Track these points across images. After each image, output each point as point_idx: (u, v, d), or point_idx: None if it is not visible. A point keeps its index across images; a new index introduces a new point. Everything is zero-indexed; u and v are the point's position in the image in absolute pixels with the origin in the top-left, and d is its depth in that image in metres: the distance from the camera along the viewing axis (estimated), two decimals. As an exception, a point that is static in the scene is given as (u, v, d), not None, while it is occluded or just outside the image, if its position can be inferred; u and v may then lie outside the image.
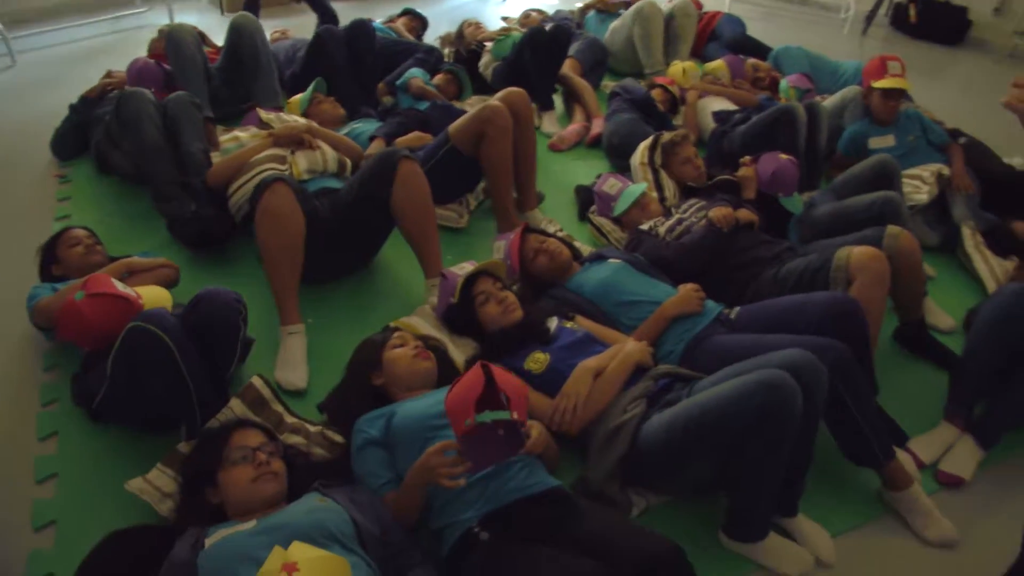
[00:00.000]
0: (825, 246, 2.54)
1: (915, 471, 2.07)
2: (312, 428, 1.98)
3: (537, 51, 3.74)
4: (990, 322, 2.20)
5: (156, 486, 1.81)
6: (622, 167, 3.44)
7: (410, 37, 4.38)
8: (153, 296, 2.10)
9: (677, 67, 3.98)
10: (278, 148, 2.67)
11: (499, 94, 2.86)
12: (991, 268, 2.90)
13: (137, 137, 2.72)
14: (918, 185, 3.09)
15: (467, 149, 2.78)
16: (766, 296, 2.43)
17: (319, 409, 2.08)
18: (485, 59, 4.13)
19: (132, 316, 1.96)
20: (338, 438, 1.97)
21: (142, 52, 3.70)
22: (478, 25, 4.48)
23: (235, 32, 3.40)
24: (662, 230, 2.77)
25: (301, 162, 2.67)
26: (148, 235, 2.81)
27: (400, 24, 4.51)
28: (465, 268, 2.37)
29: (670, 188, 3.08)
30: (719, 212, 2.64)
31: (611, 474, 1.89)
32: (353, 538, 1.52)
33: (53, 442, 2.04)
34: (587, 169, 3.54)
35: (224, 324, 1.89)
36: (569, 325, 2.25)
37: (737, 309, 2.33)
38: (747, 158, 3.08)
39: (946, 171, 3.14)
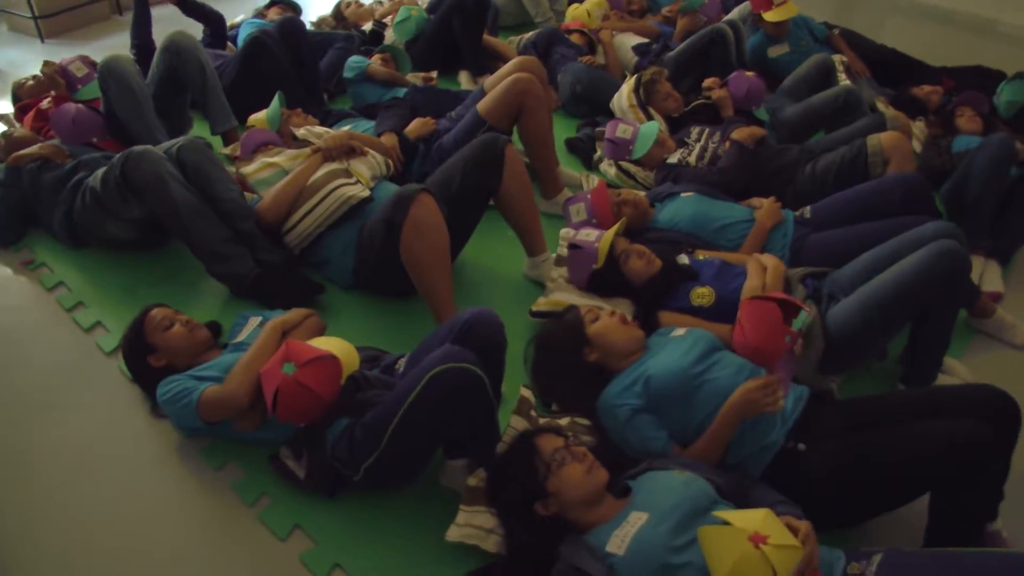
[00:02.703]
0: (837, 140, 2.97)
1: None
2: (563, 422, 1.99)
3: (465, 18, 3.71)
4: (986, 168, 2.77)
5: (475, 526, 1.74)
6: (589, 114, 3.61)
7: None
8: (336, 347, 1.92)
9: (580, 10, 4.15)
10: (332, 163, 2.46)
11: (513, 63, 2.87)
12: (913, 133, 3.56)
13: (166, 203, 2.32)
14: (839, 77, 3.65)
15: (504, 126, 2.77)
16: (809, 192, 2.81)
17: (545, 404, 2.08)
18: (390, 37, 3.99)
19: (340, 375, 1.83)
20: (586, 422, 2.00)
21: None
22: (358, 4, 4.26)
23: (173, 54, 2.94)
24: (692, 159, 3.02)
25: (363, 171, 2.49)
26: (186, 298, 2.46)
27: (273, 15, 4.14)
28: (588, 235, 2.43)
29: (661, 123, 3.32)
30: (743, 132, 2.95)
31: (816, 369, 2.16)
32: (717, 494, 1.63)
33: (300, 538, 1.82)
34: (558, 123, 3.64)
35: (500, 343, 1.82)
36: (702, 256, 2.43)
37: (807, 208, 2.67)
38: (712, 80, 3.41)
39: (843, 59, 3.74)
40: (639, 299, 2.38)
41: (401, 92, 3.36)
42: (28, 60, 4.12)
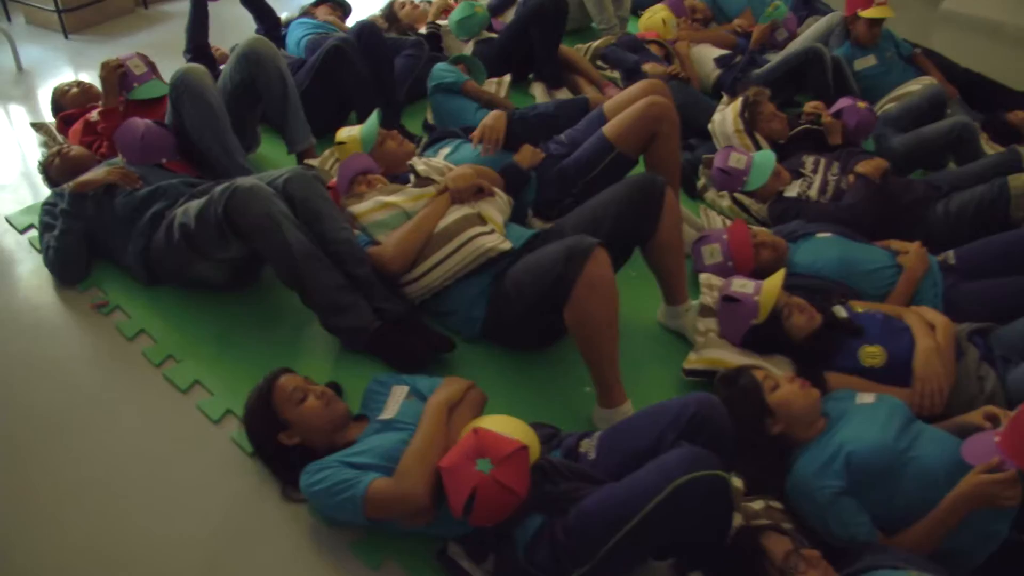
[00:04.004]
0: (966, 176, 2.81)
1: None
2: (756, 506, 1.79)
3: (545, 26, 3.44)
4: None
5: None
6: (681, 136, 3.38)
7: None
8: (519, 432, 1.66)
9: (655, 19, 3.92)
10: (462, 205, 2.20)
11: (640, 87, 2.62)
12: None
13: (278, 247, 2.02)
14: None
15: (632, 152, 2.53)
16: (943, 234, 2.64)
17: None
18: (448, 41, 3.70)
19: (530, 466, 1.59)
20: (779, 505, 1.81)
21: None
22: (413, 4, 3.95)
23: (252, 63, 2.61)
24: (813, 193, 2.82)
25: (494, 215, 2.23)
26: (289, 350, 2.18)
27: (322, 15, 3.80)
28: (744, 285, 2.21)
29: (766, 147, 3.12)
30: (868, 165, 2.77)
31: None
32: None
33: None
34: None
35: (731, 439, 1.61)
36: (860, 309, 2.24)
37: (950, 254, 2.50)
38: (817, 104, 3.22)
39: (934, 81, 3.58)
40: (799, 357, 2.18)
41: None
42: (53, 59, 3.72)
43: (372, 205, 2.22)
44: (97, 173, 2.33)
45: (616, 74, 3.82)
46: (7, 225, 2.63)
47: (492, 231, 2.16)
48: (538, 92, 3.61)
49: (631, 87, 2.65)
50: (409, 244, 2.14)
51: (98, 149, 2.78)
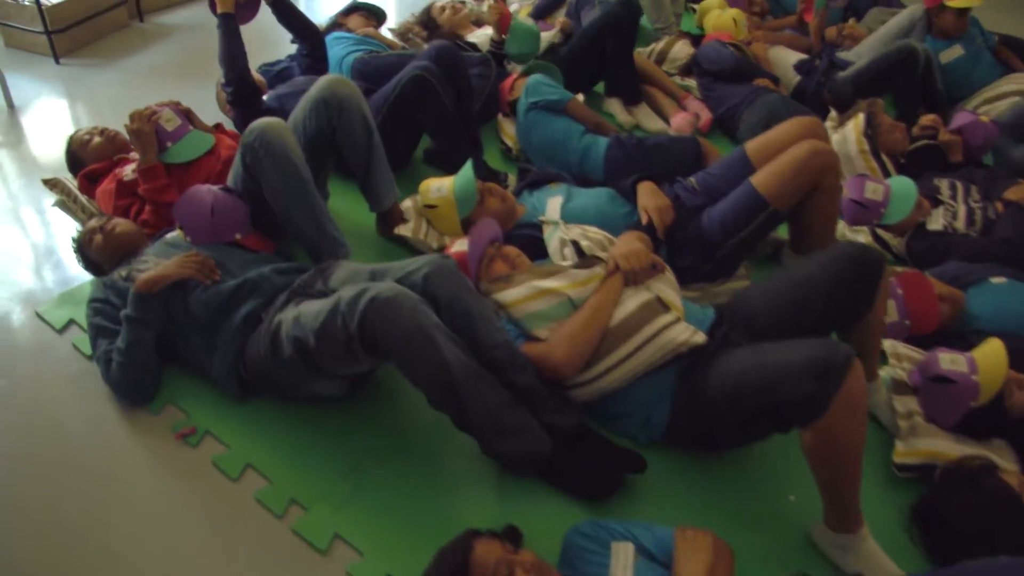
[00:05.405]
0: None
1: None
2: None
3: (620, 38, 3.04)
4: None
5: None
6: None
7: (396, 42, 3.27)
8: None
9: (724, 18, 3.54)
10: (636, 288, 1.83)
11: (792, 128, 2.26)
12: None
13: (433, 367, 1.61)
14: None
15: (785, 208, 2.18)
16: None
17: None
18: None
19: None
20: None
21: None
22: (454, 9, 3.48)
23: (334, 109, 2.15)
24: (960, 225, 2.53)
25: (672, 296, 1.86)
26: (439, 482, 1.79)
27: (355, 25, 3.30)
28: (955, 362, 1.91)
29: (893, 171, 2.81)
30: (1019, 192, 2.50)
31: None
32: None
33: None
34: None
35: None
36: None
37: None
38: (933, 118, 2.93)
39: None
40: (1017, 440, 1.91)
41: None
42: (46, 90, 3.16)
43: (527, 292, 1.83)
44: (167, 268, 1.86)
45: (691, 82, 3.46)
46: (39, 322, 2.15)
47: (677, 319, 1.80)
48: (615, 109, 3.22)
49: (780, 127, 2.28)
50: (584, 343, 1.76)
51: (138, 215, 2.30)
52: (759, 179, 2.17)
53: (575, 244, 1.91)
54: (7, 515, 1.67)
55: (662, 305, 1.81)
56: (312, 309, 1.70)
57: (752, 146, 2.30)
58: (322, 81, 2.20)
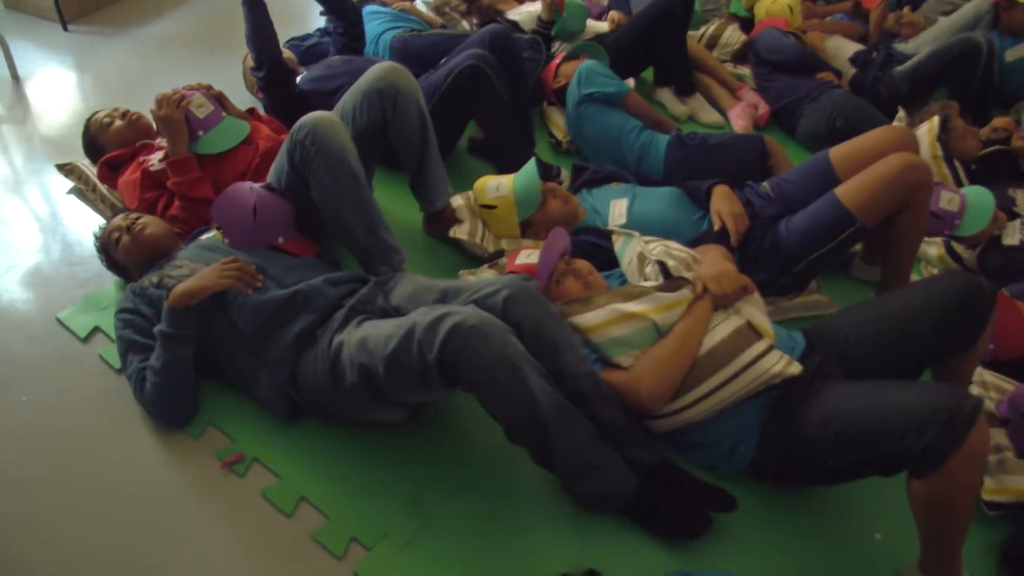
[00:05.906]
0: None
1: None
2: None
3: (674, 27, 2.84)
4: None
5: None
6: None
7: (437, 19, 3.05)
8: None
9: (779, 4, 3.34)
10: (726, 313, 1.68)
11: (881, 136, 2.09)
12: None
13: (519, 403, 1.45)
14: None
15: (873, 223, 2.02)
16: None
17: None
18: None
19: None
20: None
21: None
22: (495, -18, 3.25)
23: (388, 101, 1.95)
24: (1039, 241, 2.39)
25: (762, 321, 1.71)
26: (508, 517, 1.64)
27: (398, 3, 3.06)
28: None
29: (965, 179, 2.66)
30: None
31: None
32: None
33: None
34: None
35: None
36: None
37: None
38: (1007, 121, 2.77)
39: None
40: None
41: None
42: (54, 60, 2.91)
43: (608, 316, 1.67)
44: (205, 278, 1.67)
45: (743, 70, 3.27)
46: (61, 329, 1.95)
47: (770, 347, 1.65)
48: (667, 99, 3.03)
49: (869, 136, 2.12)
50: (672, 375, 1.61)
51: (166, 210, 2.10)
52: (845, 192, 2.01)
53: (661, 265, 1.74)
54: (41, 555, 1.50)
55: (753, 331, 1.66)
56: (381, 333, 1.53)
57: (837, 154, 2.13)
58: (378, 70, 1.99)
